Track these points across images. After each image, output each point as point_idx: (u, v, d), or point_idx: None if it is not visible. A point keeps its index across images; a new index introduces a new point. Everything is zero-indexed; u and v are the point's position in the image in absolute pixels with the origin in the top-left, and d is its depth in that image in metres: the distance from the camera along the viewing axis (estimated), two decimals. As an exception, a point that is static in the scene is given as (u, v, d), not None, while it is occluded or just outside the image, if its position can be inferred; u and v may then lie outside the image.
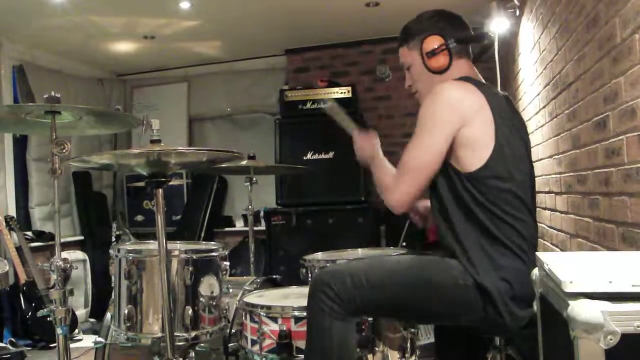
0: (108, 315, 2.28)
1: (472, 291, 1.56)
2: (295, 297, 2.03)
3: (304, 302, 1.83)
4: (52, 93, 1.85)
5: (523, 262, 1.57)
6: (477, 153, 1.61)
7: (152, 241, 2.17)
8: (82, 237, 5.28)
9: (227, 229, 5.51)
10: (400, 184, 1.67)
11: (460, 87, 1.67)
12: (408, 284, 1.61)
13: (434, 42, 1.76)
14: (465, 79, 1.71)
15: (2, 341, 3.84)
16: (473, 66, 1.82)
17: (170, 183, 1.88)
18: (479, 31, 1.86)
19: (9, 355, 3.54)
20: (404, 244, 3.30)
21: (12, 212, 4.48)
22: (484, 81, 1.78)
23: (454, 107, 1.62)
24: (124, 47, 5.00)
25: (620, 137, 1.74)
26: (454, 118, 1.61)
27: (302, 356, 1.70)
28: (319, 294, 1.57)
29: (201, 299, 2.02)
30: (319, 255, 2.43)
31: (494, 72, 3.54)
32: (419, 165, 1.65)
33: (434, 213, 1.77)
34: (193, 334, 1.97)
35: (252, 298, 2.03)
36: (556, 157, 2.67)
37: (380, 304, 1.62)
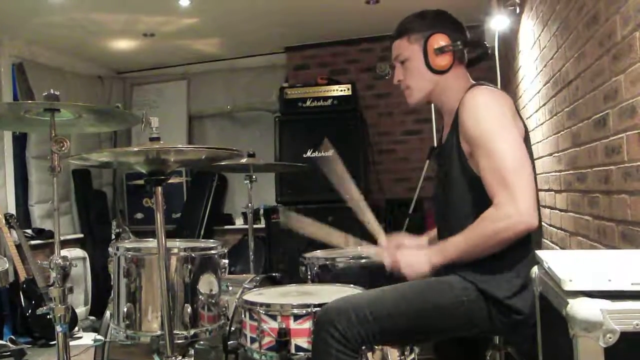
0: (107, 313, 2.28)
1: (478, 304, 1.56)
2: (294, 295, 2.03)
3: (303, 300, 1.83)
4: (52, 91, 1.84)
5: (529, 266, 1.56)
6: None
7: (151, 239, 2.15)
8: (81, 235, 5.30)
9: (226, 226, 5.52)
10: (516, 194, 1.44)
11: (495, 90, 1.66)
12: (413, 312, 1.58)
13: (440, 40, 1.71)
14: (479, 83, 1.70)
15: (2, 339, 3.85)
16: (468, 74, 1.79)
17: (170, 181, 1.87)
18: (477, 38, 1.83)
19: (9, 353, 3.55)
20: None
21: (12, 209, 4.49)
22: None
23: (504, 106, 1.60)
24: (123, 44, 5.00)
25: (620, 135, 1.73)
26: (509, 114, 1.58)
27: (301, 354, 1.71)
28: (325, 335, 1.55)
29: (200, 296, 2.02)
30: (319, 253, 2.43)
31: (494, 70, 3.54)
32: (520, 164, 1.49)
33: (439, 218, 1.77)
34: (192, 331, 1.97)
35: (251, 296, 2.02)
36: (556, 155, 2.66)
37: (387, 335, 1.60)
